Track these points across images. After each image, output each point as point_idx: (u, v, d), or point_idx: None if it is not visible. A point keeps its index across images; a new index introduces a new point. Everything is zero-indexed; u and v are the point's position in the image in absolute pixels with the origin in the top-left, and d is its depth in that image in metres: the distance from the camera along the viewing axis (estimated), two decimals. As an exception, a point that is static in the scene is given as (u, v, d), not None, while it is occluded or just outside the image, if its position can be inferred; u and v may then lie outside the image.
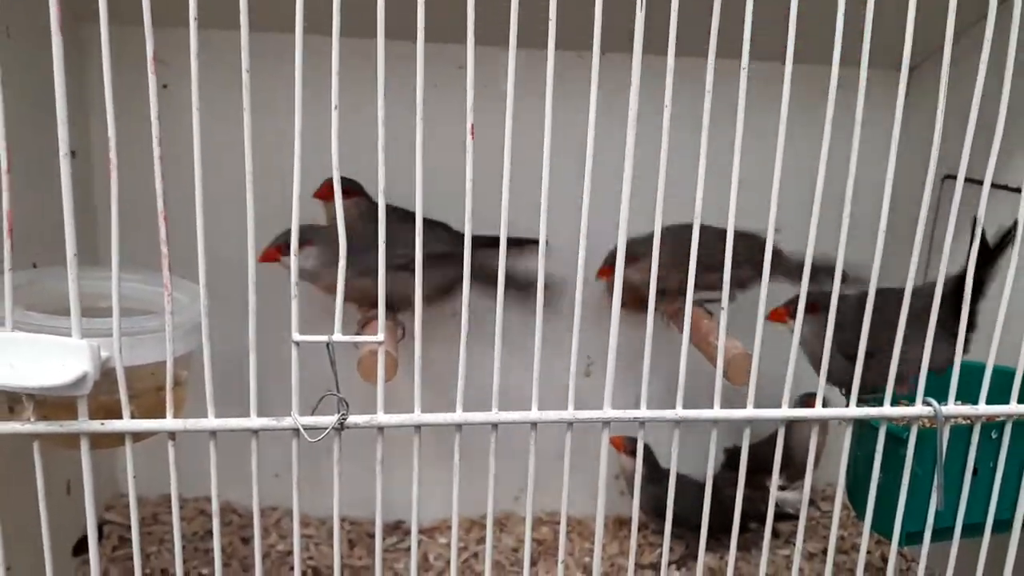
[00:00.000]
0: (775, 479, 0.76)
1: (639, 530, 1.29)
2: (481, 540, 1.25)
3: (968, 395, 0.78)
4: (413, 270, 0.65)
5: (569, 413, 0.70)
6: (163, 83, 1.08)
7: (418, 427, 0.68)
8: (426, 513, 1.27)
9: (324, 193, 1.00)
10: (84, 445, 0.65)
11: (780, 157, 0.68)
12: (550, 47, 0.63)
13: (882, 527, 0.81)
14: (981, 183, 0.72)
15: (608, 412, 0.70)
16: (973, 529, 0.81)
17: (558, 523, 1.28)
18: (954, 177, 0.71)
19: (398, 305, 0.92)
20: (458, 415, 0.68)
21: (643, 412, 0.71)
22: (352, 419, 0.67)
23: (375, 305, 0.66)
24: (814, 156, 0.68)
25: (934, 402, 0.76)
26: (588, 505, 1.29)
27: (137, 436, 0.68)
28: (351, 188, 1.06)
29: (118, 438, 0.67)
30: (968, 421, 0.79)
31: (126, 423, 0.65)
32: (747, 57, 0.65)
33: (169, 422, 0.66)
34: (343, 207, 0.90)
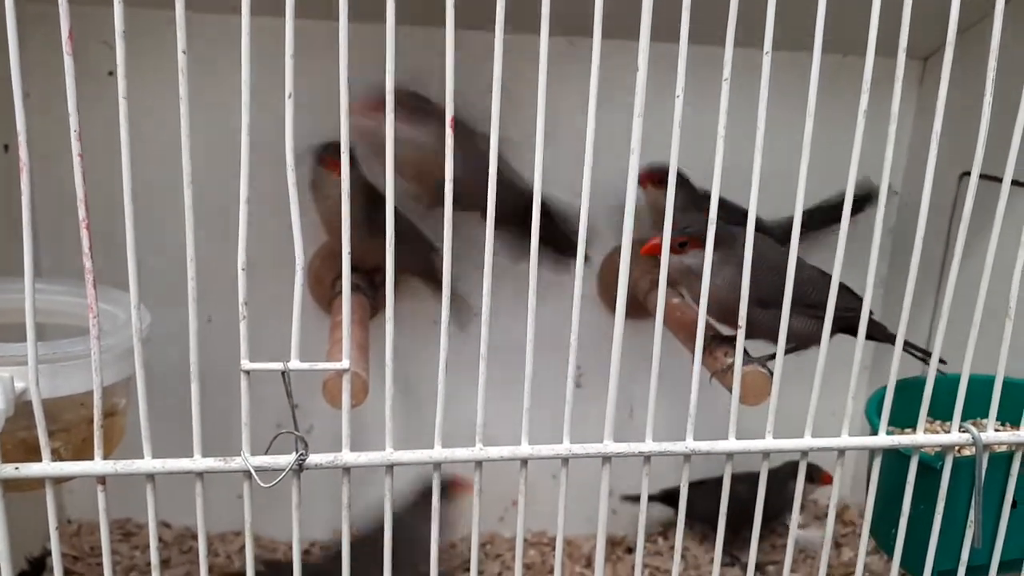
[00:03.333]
0: (795, 517, 0.68)
1: (632, 551, 1.20)
2: (463, 564, 1.16)
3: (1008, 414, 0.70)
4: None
5: (564, 447, 0.61)
6: (108, 70, 1.00)
7: (390, 467, 0.59)
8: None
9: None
10: (-5, 493, 0.55)
11: (807, 151, 0.59)
12: (543, 30, 0.53)
13: (911, 564, 0.73)
14: (999, 179, 0.64)
15: (609, 446, 0.61)
16: (1010, 566, 0.73)
17: (545, 544, 1.20)
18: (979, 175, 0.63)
19: None
20: (437, 452, 0.59)
21: (649, 445, 0.62)
22: (313, 459, 0.58)
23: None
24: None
25: (972, 429, 0.67)
26: (577, 524, 1.21)
27: (61, 479, 0.58)
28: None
29: (40, 481, 0.57)
30: (1008, 448, 0.70)
31: (45, 467, 0.55)
32: (769, 43, 0.56)
33: (98, 464, 0.56)
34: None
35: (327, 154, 0.91)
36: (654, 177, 0.98)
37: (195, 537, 1.12)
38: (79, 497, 1.12)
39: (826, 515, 0.69)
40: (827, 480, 1.07)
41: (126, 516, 1.12)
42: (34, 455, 0.56)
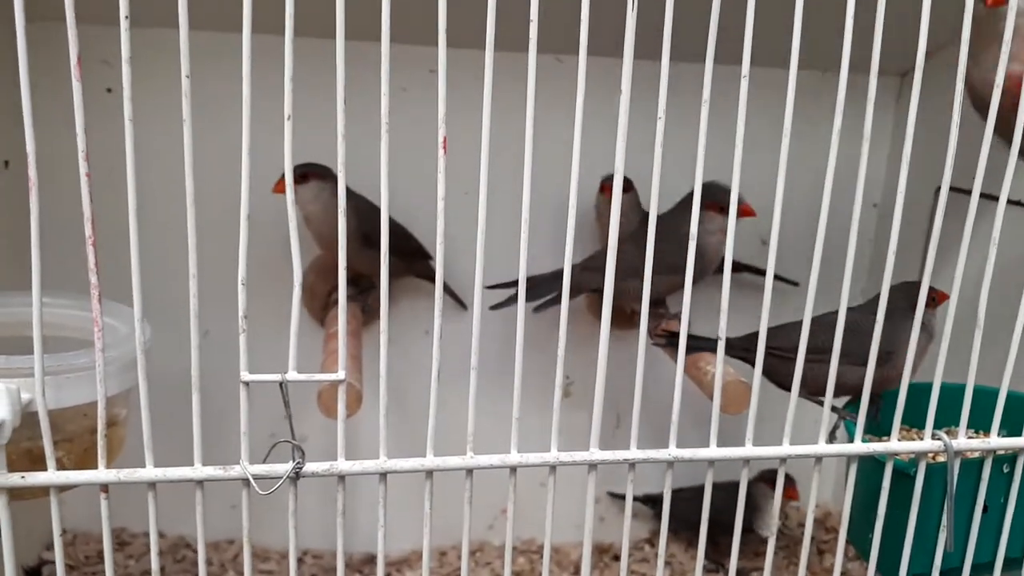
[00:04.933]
0: (775, 518, 0.70)
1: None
2: (453, 572, 1.18)
3: (978, 422, 0.73)
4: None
5: (552, 455, 0.63)
6: (107, 87, 1.02)
7: (384, 474, 0.61)
8: (395, 544, 1.20)
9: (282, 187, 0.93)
10: (1, 501, 0.57)
11: (784, 169, 0.62)
12: (531, 48, 0.56)
13: (887, 568, 0.75)
14: (970, 193, 0.66)
15: (595, 454, 0.64)
16: (982, 569, 0.76)
17: (534, 552, 1.22)
18: (954, 189, 0.65)
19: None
20: (429, 460, 0.61)
21: (633, 453, 0.64)
22: (309, 467, 0.59)
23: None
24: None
25: (944, 436, 0.70)
26: (565, 532, 1.23)
27: (65, 487, 0.60)
28: (312, 172, 0.98)
29: (44, 489, 0.59)
30: (979, 455, 0.73)
31: (51, 475, 0.57)
32: (747, 65, 0.59)
33: (101, 472, 0.58)
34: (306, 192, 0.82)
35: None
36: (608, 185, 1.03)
37: (189, 546, 1.14)
38: (73, 507, 1.12)
39: (804, 521, 0.71)
40: (792, 495, 1.10)
41: (120, 526, 1.13)
42: (38, 465, 0.58)
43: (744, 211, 0.93)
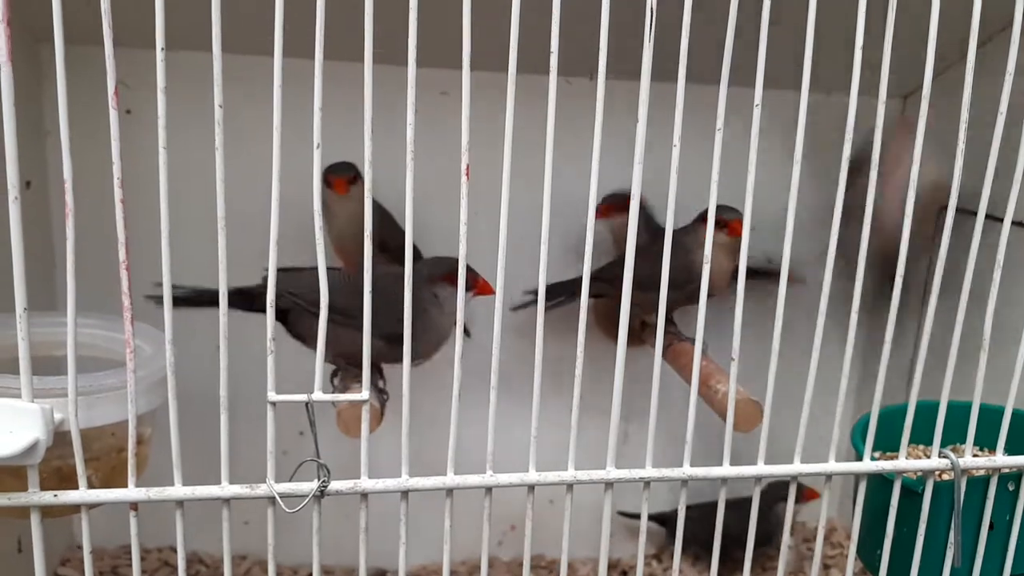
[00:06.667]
0: (785, 538, 0.71)
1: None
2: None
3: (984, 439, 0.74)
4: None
5: (570, 474, 0.65)
6: (126, 108, 1.04)
7: (405, 493, 0.63)
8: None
9: None
10: (35, 519, 0.58)
11: (795, 191, 0.63)
12: (552, 70, 0.58)
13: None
14: (975, 214, 0.68)
15: (612, 472, 0.65)
16: (988, 585, 0.77)
17: (542, 567, 1.23)
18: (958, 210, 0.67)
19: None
20: (449, 479, 0.63)
21: (648, 472, 0.66)
22: (334, 485, 0.61)
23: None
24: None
25: (951, 455, 0.71)
26: (575, 547, 1.24)
27: (95, 505, 0.61)
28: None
29: (73, 507, 0.60)
30: (985, 472, 0.74)
31: (83, 494, 0.58)
32: (760, 94, 0.61)
33: (131, 491, 0.59)
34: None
35: (332, 174, 0.95)
36: (616, 205, 1.05)
37: (202, 561, 1.15)
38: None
39: (814, 537, 0.72)
40: (810, 496, 1.11)
41: (133, 541, 1.14)
42: (67, 483, 0.59)
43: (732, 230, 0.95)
